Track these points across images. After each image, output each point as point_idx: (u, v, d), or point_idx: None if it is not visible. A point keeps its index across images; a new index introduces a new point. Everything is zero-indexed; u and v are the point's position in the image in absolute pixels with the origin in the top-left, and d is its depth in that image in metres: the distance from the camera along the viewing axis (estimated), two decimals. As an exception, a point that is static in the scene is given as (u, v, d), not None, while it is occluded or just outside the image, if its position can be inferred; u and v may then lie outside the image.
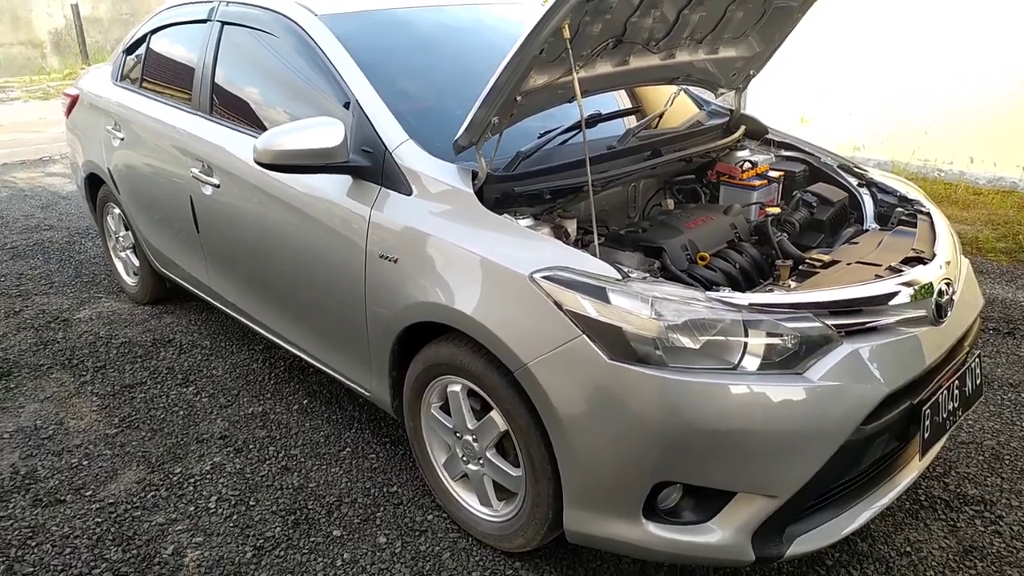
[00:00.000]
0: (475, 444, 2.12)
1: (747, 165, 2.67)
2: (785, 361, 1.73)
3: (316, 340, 2.61)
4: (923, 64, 6.09)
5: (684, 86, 2.98)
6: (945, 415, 1.97)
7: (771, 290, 1.92)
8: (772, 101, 7.07)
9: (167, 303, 3.86)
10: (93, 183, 3.92)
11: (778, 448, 1.70)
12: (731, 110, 2.94)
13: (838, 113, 6.67)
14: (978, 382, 2.14)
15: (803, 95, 6.88)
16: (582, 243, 2.16)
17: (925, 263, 2.02)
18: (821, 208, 2.50)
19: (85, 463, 2.60)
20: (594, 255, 1.87)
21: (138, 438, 2.74)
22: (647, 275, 1.84)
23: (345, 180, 2.32)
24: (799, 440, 1.70)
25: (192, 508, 2.36)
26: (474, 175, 2.07)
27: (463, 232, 2.02)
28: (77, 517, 2.33)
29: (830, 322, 1.77)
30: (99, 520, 2.32)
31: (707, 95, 3.05)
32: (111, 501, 2.40)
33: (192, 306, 3.83)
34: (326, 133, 2.16)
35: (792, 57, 6.64)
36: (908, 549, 2.17)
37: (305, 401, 2.96)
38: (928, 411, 1.88)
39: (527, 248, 1.91)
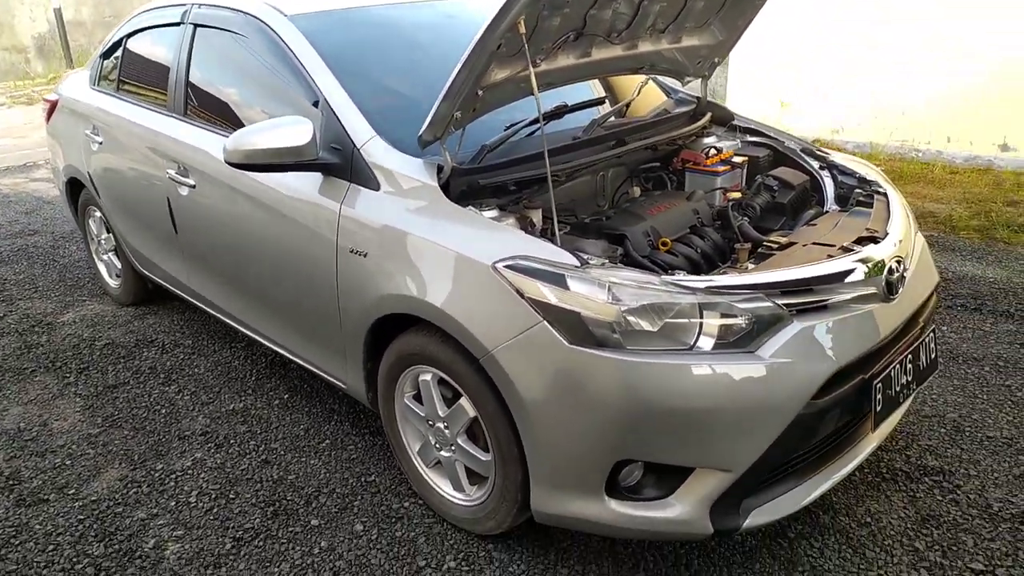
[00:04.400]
0: (446, 431, 2.18)
1: (712, 151, 2.72)
2: (738, 341, 1.79)
3: (293, 335, 2.66)
4: (900, 46, 6.14)
5: (652, 75, 3.03)
6: (898, 389, 2.03)
7: (725, 272, 1.98)
8: (752, 87, 7.14)
9: (149, 304, 3.91)
10: (74, 187, 3.95)
11: (732, 424, 1.76)
12: (698, 97, 3.00)
13: (817, 97, 6.73)
14: (932, 356, 2.21)
15: (783, 80, 6.94)
16: (551, 232, 2.22)
17: (877, 242, 2.09)
18: (783, 191, 2.56)
19: (68, 463, 2.65)
20: (556, 244, 1.93)
21: (121, 437, 2.79)
22: (606, 261, 1.90)
23: (317, 177, 2.36)
24: (752, 416, 1.76)
25: (173, 503, 2.42)
26: (439, 169, 2.12)
27: (429, 225, 2.07)
28: (60, 515, 2.39)
29: (782, 301, 1.83)
30: (82, 517, 2.37)
31: (675, 84, 3.10)
32: (94, 499, 2.45)
33: (174, 306, 3.88)
34: (295, 132, 2.21)
35: (771, 42, 6.73)
36: (868, 520, 2.24)
37: (286, 396, 3.02)
38: (880, 385, 1.94)
39: (490, 239, 1.96)
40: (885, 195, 2.43)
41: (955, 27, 5.84)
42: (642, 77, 2.96)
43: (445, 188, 2.10)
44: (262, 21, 2.65)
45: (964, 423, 2.66)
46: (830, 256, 2.00)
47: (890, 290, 1.99)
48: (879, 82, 6.35)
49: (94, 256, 4.09)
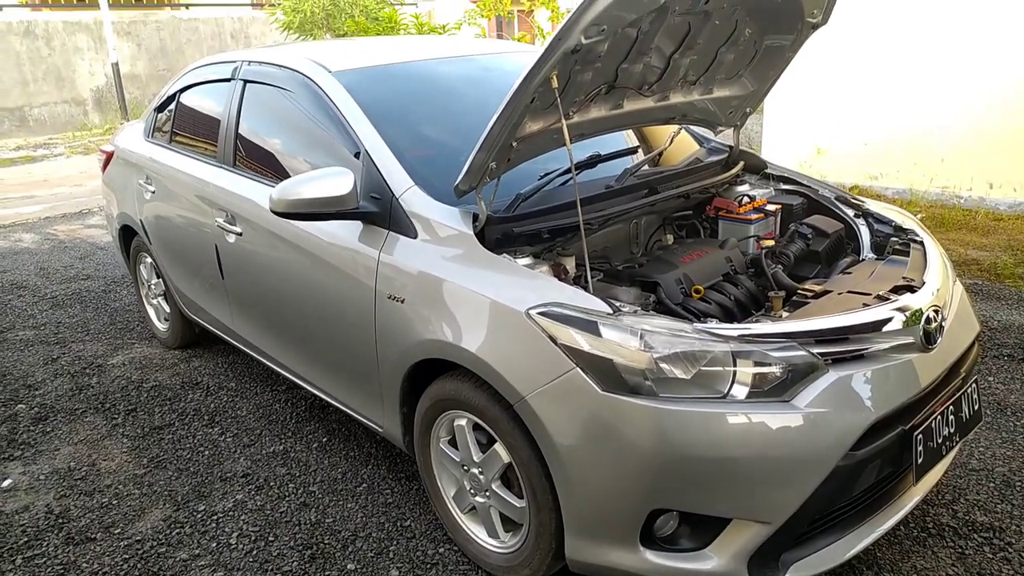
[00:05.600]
0: (481, 476, 2.19)
1: (745, 199, 2.74)
2: (773, 390, 1.79)
3: (332, 379, 2.72)
4: (939, 91, 6.12)
5: (684, 125, 3.08)
6: (940, 440, 1.99)
7: (759, 320, 1.98)
8: (788, 134, 7.14)
9: (196, 347, 4.02)
10: (126, 234, 4.12)
11: (768, 474, 1.75)
12: (730, 146, 3.03)
13: (854, 143, 6.70)
14: (975, 408, 2.16)
15: (819, 126, 6.94)
16: (584, 279, 2.25)
17: (914, 291, 2.07)
18: (817, 240, 2.56)
19: (115, 502, 2.72)
20: (589, 291, 1.96)
21: (165, 477, 2.85)
22: (638, 309, 1.92)
23: (357, 225, 2.44)
24: (788, 466, 1.75)
25: (214, 544, 2.46)
26: (475, 217, 2.18)
27: (464, 272, 2.12)
28: (106, 554, 2.44)
29: (818, 350, 1.82)
30: (127, 557, 2.42)
31: (708, 133, 3.15)
32: (138, 538, 2.51)
33: (219, 350, 3.98)
34: (337, 182, 2.30)
35: (807, 89, 6.75)
36: (915, 576, 2.18)
37: (324, 439, 3.06)
38: (920, 436, 1.91)
39: (524, 286, 2.00)
40: (922, 243, 2.42)
41: (995, 72, 5.80)
42: (674, 127, 3.01)
43: (480, 236, 2.15)
44: (308, 77, 2.77)
45: (1014, 477, 2.58)
46: (866, 305, 2.00)
47: (928, 340, 1.97)
48: (918, 128, 6.31)
49: (144, 300, 4.24)
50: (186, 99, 3.65)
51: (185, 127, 3.60)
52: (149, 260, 3.98)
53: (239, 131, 3.12)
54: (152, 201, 3.66)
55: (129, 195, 3.91)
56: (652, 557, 1.84)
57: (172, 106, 3.72)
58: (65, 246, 6.29)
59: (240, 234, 2.95)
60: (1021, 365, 3.34)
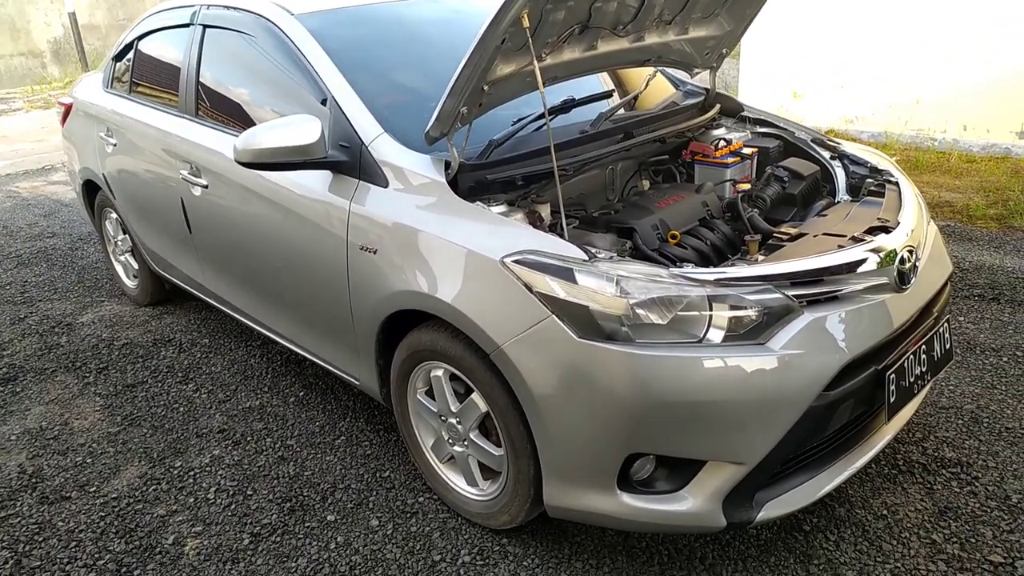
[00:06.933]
0: (459, 426, 2.19)
1: (721, 143, 2.71)
2: (749, 333, 1.79)
3: (307, 332, 2.68)
4: (914, 32, 6.06)
5: (660, 68, 3.02)
6: (912, 380, 2.02)
7: (734, 264, 1.97)
8: (765, 78, 7.08)
9: (167, 304, 3.95)
10: (90, 189, 4.00)
11: (743, 416, 1.76)
12: (707, 89, 2.98)
13: (830, 86, 6.66)
14: (947, 347, 2.19)
15: (795, 70, 6.88)
16: (560, 227, 2.21)
17: (889, 231, 2.07)
18: (793, 182, 2.54)
19: (89, 461, 2.69)
20: (564, 238, 1.93)
21: (140, 435, 2.82)
22: (614, 255, 1.90)
23: (326, 175, 2.38)
24: (763, 408, 1.76)
25: (192, 499, 2.45)
26: (447, 165, 2.13)
27: (437, 221, 2.07)
28: (82, 512, 2.42)
29: (793, 293, 1.82)
30: (103, 514, 2.41)
31: (683, 75, 3.09)
32: (114, 496, 2.49)
33: (191, 306, 3.92)
34: (303, 130, 2.22)
35: (784, 33, 6.66)
36: (884, 512, 2.22)
37: (301, 393, 3.04)
38: (893, 376, 1.93)
39: (499, 234, 1.97)
40: (897, 184, 2.41)
41: (970, 14, 5.75)
42: (650, 69, 2.95)
43: (453, 184, 2.10)
44: (270, 21, 2.66)
45: (982, 414, 2.64)
46: (841, 246, 1.99)
47: (902, 280, 1.97)
48: (893, 70, 6.27)
49: (111, 257, 4.14)
50: (144, 47, 3.51)
51: (145, 76, 3.47)
52: (114, 215, 3.88)
53: (200, 79, 3.00)
54: (114, 154, 3.55)
55: (90, 149, 3.78)
56: (629, 500, 1.86)
57: (130, 55, 3.58)
58: (28, 203, 6.12)
59: (206, 187, 2.87)
60: (991, 305, 3.39)
